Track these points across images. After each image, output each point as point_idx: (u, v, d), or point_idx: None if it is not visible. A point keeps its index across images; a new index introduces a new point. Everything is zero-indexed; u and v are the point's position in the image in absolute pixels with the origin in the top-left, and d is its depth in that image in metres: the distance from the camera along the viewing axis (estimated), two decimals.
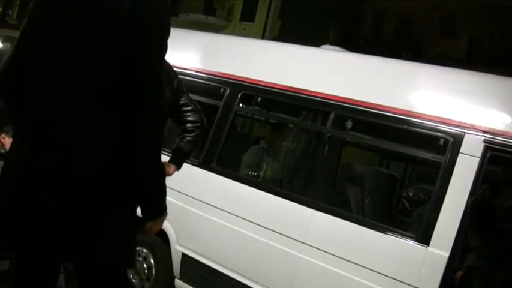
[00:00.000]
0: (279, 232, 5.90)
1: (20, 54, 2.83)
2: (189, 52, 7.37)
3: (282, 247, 5.86)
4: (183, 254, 6.54)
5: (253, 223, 6.09)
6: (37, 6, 2.81)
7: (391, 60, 6.36)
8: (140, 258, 6.74)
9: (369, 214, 6.26)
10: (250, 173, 6.94)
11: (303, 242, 5.73)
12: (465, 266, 6.50)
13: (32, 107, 2.72)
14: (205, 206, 6.45)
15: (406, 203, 7.47)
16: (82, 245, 2.62)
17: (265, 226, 6.01)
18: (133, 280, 6.70)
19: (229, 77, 6.89)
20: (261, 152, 7.21)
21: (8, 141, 5.92)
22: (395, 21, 32.32)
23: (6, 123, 6.48)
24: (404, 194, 7.75)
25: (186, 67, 6.94)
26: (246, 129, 9.57)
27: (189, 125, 4.93)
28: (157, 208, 2.86)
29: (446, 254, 4.93)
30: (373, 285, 5.21)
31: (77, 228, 2.60)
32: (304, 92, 6.24)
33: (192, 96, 5.23)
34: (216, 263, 6.36)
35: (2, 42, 49.69)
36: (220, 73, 7.01)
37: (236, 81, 6.81)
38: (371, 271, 5.24)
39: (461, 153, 5.12)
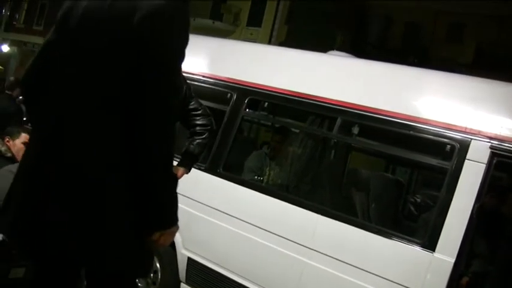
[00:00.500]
0: (285, 237, 5.91)
1: (42, 58, 2.92)
2: (196, 57, 7.38)
3: (287, 252, 5.87)
4: (189, 259, 6.55)
5: (259, 228, 6.10)
6: (61, 15, 2.89)
7: (398, 66, 6.38)
8: None
9: (375, 220, 6.26)
10: (253, 177, 6.93)
11: (309, 247, 5.73)
12: (471, 272, 6.51)
13: (46, 112, 2.78)
14: (211, 211, 6.46)
15: (412, 208, 7.48)
16: (90, 250, 2.63)
17: (271, 231, 6.01)
18: (139, 284, 6.71)
19: (236, 82, 6.91)
20: (263, 157, 7.21)
21: (12, 144, 5.93)
22: (403, 27, 32.35)
23: (7, 124, 6.50)
24: (410, 200, 7.75)
25: (193, 72, 6.94)
26: (252, 135, 9.58)
27: (198, 128, 4.96)
28: (165, 219, 2.80)
29: (452, 260, 4.93)
30: None
31: (84, 233, 2.61)
32: (311, 98, 6.25)
33: (203, 101, 5.26)
34: (222, 267, 6.37)
35: (9, 46, 49.86)
36: (227, 78, 7.02)
37: (243, 87, 6.82)
38: (377, 276, 5.24)
39: (468, 159, 5.12)
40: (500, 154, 5.02)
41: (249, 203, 6.37)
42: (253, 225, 6.15)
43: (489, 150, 5.04)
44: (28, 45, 53.30)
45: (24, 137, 5.92)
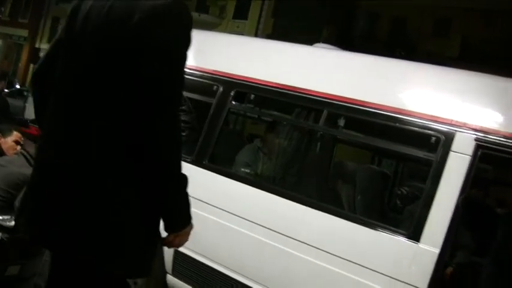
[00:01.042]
0: (271, 229, 5.92)
1: (51, 55, 2.94)
2: None
3: (274, 243, 5.88)
4: (176, 250, 6.55)
5: (245, 219, 6.11)
6: (69, 12, 2.89)
7: (384, 59, 6.39)
8: None
9: (361, 211, 6.29)
10: (246, 172, 6.94)
11: (295, 238, 5.75)
12: (455, 262, 6.57)
13: (50, 109, 2.81)
14: (197, 203, 6.41)
15: (397, 200, 7.52)
16: (98, 249, 2.63)
17: (257, 223, 6.02)
18: None
19: (222, 74, 6.91)
20: (256, 151, 7.21)
21: (3, 141, 5.92)
22: (389, 19, 32.41)
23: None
24: (396, 192, 7.79)
25: None
26: (239, 127, 9.59)
27: None
28: (179, 221, 2.81)
29: (437, 251, 4.96)
30: (364, 281, 5.23)
31: (93, 233, 2.62)
32: (297, 90, 6.26)
33: (185, 93, 5.24)
34: (209, 259, 6.38)
35: None
36: (214, 71, 7.02)
37: (229, 79, 6.82)
38: (362, 267, 5.27)
39: (453, 151, 5.15)
40: (485, 146, 5.06)
41: (236, 195, 6.38)
42: (239, 216, 6.16)
43: (474, 142, 5.08)
44: (13, 38, 53.14)
45: (15, 135, 5.95)
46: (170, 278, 6.78)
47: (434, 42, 29.92)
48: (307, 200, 5.88)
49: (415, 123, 5.46)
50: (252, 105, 7.21)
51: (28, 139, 6.52)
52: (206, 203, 6.42)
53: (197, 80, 7.01)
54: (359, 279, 5.27)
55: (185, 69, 2.78)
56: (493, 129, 5.06)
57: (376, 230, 5.39)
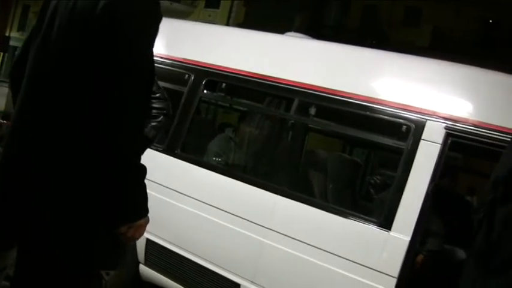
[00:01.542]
0: (243, 217, 5.93)
1: (26, 49, 2.91)
2: None
3: (246, 232, 5.89)
4: (147, 240, 6.54)
5: (217, 208, 6.11)
6: (40, 7, 2.89)
7: (354, 48, 6.41)
8: None
9: (332, 199, 6.32)
10: (217, 161, 6.93)
11: (267, 227, 5.77)
12: (426, 249, 6.63)
13: (17, 103, 2.81)
14: (169, 192, 6.45)
15: (368, 188, 7.56)
16: (54, 239, 2.60)
17: (228, 211, 6.03)
18: None
19: (194, 63, 6.89)
20: (228, 140, 7.21)
21: None
22: (360, 9, 32.51)
23: None
24: (367, 180, 7.83)
25: None
26: (210, 116, 9.57)
27: (154, 111, 4.91)
28: (133, 212, 2.72)
29: (407, 238, 5.00)
30: (336, 269, 5.27)
31: (48, 222, 2.60)
32: (268, 79, 6.27)
33: (161, 83, 5.22)
34: (181, 248, 6.38)
35: None
36: (185, 59, 7.00)
37: (200, 68, 6.81)
38: (334, 255, 5.30)
39: (423, 139, 5.19)
40: (454, 134, 5.11)
41: (208, 184, 6.38)
42: (211, 205, 6.16)
43: (444, 130, 5.12)
44: None
45: None
46: (142, 268, 6.77)
47: (406, 31, 30.10)
48: (279, 189, 5.90)
49: (386, 112, 5.49)
50: (223, 94, 7.21)
51: None
52: (177, 191, 6.42)
53: (169, 69, 6.99)
54: (331, 267, 5.30)
55: (152, 59, 2.73)
56: (463, 118, 5.11)
57: (347, 218, 5.42)
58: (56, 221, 2.59)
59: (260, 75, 6.35)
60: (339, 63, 6.22)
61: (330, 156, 7.22)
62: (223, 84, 6.86)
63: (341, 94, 5.76)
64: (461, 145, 5.30)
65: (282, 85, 6.17)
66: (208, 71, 6.76)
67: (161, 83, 5.24)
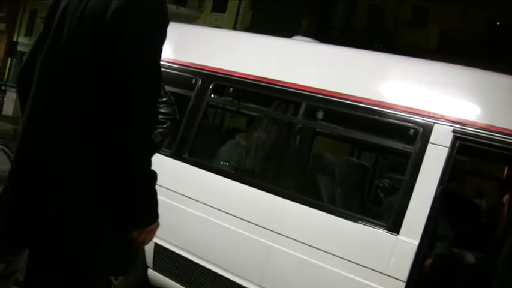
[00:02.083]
0: (251, 222, 5.93)
1: (33, 54, 2.91)
2: None
3: (254, 236, 5.90)
4: (156, 244, 6.54)
5: (225, 213, 6.12)
6: (49, 7, 2.89)
7: (361, 51, 6.41)
8: None
9: (340, 203, 6.31)
10: (227, 165, 6.90)
11: (275, 231, 5.77)
12: (434, 253, 6.61)
13: (27, 107, 2.80)
14: (177, 196, 6.46)
15: (376, 192, 7.54)
16: (63, 243, 2.60)
17: (237, 216, 6.04)
18: None
19: (201, 67, 6.90)
20: (237, 146, 7.17)
21: None
22: (367, 11, 32.47)
23: None
24: (375, 184, 7.82)
25: None
26: (218, 120, 9.58)
27: (161, 116, 4.91)
28: (145, 218, 2.73)
29: (416, 242, 5.00)
30: (344, 274, 5.26)
31: (59, 226, 2.60)
32: (276, 83, 6.27)
33: (168, 88, 5.23)
34: (189, 252, 6.39)
35: None
36: (192, 64, 7.01)
37: (208, 72, 6.82)
38: (342, 259, 5.29)
39: (431, 143, 5.19)
40: (462, 138, 5.10)
41: (216, 189, 6.38)
42: (219, 210, 6.17)
43: (452, 134, 5.12)
44: None
45: None
46: (151, 272, 6.77)
47: (413, 33, 30.03)
48: (287, 193, 5.90)
49: (394, 116, 5.48)
50: (230, 98, 7.21)
51: None
52: (185, 196, 6.43)
53: (176, 73, 7.00)
54: (339, 271, 5.30)
55: (160, 65, 2.74)
56: (471, 121, 5.10)
57: (355, 222, 5.42)
58: (65, 225, 2.59)
59: (267, 79, 6.35)
60: (346, 67, 6.22)
61: (338, 160, 7.21)
62: (231, 89, 6.86)
63: (349, 98, 5.76)
64: (469, 148, 5.29)
65: (289, 89, 6.18)
66: (215, 75, 6.76)
67: (169, 88, 5.24)
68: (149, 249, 6.62)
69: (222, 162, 6.89)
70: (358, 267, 5.21)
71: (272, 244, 5.78)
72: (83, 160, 2.60)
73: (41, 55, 2.78)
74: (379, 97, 5.63)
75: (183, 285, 6.47)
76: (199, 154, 6.88)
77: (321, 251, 5.45)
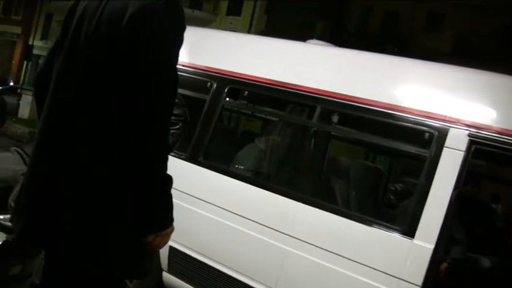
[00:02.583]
0: (266, 225, 5.93)
1: (51, 58, 2.92)
2: None
3: (268, 240, 5.89)
4: (171, 247, 6.56)
5: (240, 216, 6.12)
6: (67, 12, 2.91)
7: (376, 55, 6.40)
8: None
9: (355, 207, 6.30)
10: (245, 169, 6.88)
11: (289, 234, 5.77)
12: (450, 258, 6.59)
13: (44, 110, 2.81)
14: (192, 199, 6.47)
15: (391, 196, 7.52)
16: (80, 245, 2.61)
17: (251, 219, 6.04)
18: None
19: (216, 71, 6.91)
20: (258, 151, 7.12)
21: None
22: (382, 15, 32.43)
23: None
24: (390, 187, 7.80)
25: None
26: (233, 123, 9.59)
27: (173, 117, 4.92)
28: (160, 221, 2.75)
29: (431, 246, 4.98)
30: (359, 277, 5.25)
31: (76, 228, 2.61)
32: (290, 86, 6.27)
33: (179, 90, 5.23)
34: (204, 256, 6.40)
35: None
36: (207, 67, 7.03)
37: (223, 76, 6.83)
38: (357, 263, 5.28)
39: (446, 147, 5.17)
40: (478, 142, 5.08)
41: (230, 192, 6.38)
42: (234, 213, 6.18)
43: (467, 138, 5.10)
44: (7, 35, 53.00)
45: None
46: (166, 275, 6.79)
47: (428, 36, 29.97)
48: (302, 197, 5.89)
49: (409, 119, 5.47)
50: (245, 102, 7.22)
51: None
52: (200, 199, 6.44)
53: (191, 77, 7.01)
54: (354, 275, 5.29)
55: (176, 68, 2.74)
56: (486, 125, 5.08)
57: (370, 226, 5.40)
58: (83, 227, 2.60)
59: (282, 82, 6.36)
60: (361, 70, 6.20)
61: (353, 163, 7.20)
62: (246, 92, 6.87)
63: (364, 101, 5.75)
64: (484, 152, 5.27)
65: (304, 93, 6.17)
66: (230, 78, 6.77)
67: (184, 91, 5.26)
68: (164, 252, 6.64)
69: (240, 166, 6.88)
70: (373, 271, 5.19)
71: (287, 248, 5.77)
72: (100, 162, 2.62)
73: (59, 59, 2.80)
74: (394, 101, 5.62)
75: None
76: (214, 157, 6.88)
77: (335, 255, 5.44)
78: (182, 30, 2.73)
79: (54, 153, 2.68)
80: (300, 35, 9.22)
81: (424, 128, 5.37)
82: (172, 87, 2.70)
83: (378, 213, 6.71)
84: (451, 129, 5.19)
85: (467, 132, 5.11)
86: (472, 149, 5.10)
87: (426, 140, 5.35)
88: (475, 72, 5.68)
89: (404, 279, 5.02)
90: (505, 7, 25.35)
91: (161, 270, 6.79)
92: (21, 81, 40.56)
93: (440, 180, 5.12)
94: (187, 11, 31.38)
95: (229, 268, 6.18)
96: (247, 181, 6.38)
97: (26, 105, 26.44)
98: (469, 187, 6.92)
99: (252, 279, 6.00)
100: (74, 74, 2.70)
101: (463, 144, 5.11)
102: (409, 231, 5.13)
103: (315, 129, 6.59)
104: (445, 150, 5.17)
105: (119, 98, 2.57)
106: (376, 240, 5.32)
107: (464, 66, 5.87)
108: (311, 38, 7.73)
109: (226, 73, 6.82)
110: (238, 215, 6.15)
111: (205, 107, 6.81)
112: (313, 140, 6.85)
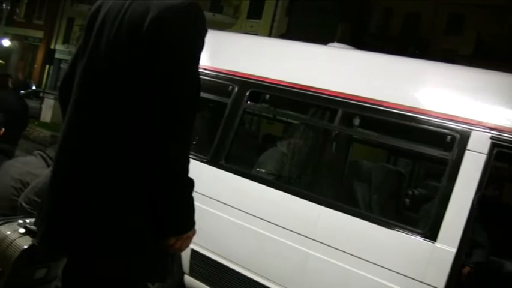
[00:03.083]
0: (288, 228, 5.94)
1: (75, 62, 2.94)
2: None
3: (290, 243, 5.90)
4: (193, 250, 6.58)
5: (262, 219, 6.13)
6: (88, 17, 2.92)
7: (398, 58, 6.39)
8: None
9: (377, 210, 6.29)
10: (267, 173, 6.88)
11: (312, 238, 5.77)
12: (472, 261, 6.55)
13: (67, 113, 2.83)
14: (214, 203, 6.49)
15: (413, 199, 7.50)
16: (99, 248, 2.62)
17: (273, 222, 6.05)
18: None
19: (238, 74, 6.93)
20: (280, 154, 7.12)
21: None
22: (403, 18, 32.33)
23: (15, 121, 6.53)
24: (412, 191, 7.78)
25: None
26: (254, 127, 9.60)
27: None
28: (182, 225, 2.75)
29: (454, 250, 4.96)
30: (381, 281, 5.25)
31: (96, 232, 2.62)
32: (311, 90, 6.28)
33: (201, 94, 5.25)
34: (225, 259, 6.42)
35: (10, 41, 49.92)
36: (229, 71, 7.05)
37: (244, 79, 6.85)
38: (379, 267, 5.28)
39: (468, 149, 5.15)
40: (500, 144, 5.05)
41: (252, 195, 6.39)
42: (256, 216, 6.19)
43: (489, 140, 5.08)
44: (29, 39, 53.45)
45: None
46: (187, 278, 6.81)
47: (449, 38, 29.84)
48: (323, 200, 5.89)
49: (431, 122, 5.46)
50: (267, 105, 7.23)
51: None
52: (222, 202, 6.45)
53: (212, 80, 7.04)
54: (376, 278, 5.28)
55: (199, 72, 2.76)
56: (508, 128, 5.05)
57: (392, 229, 5.39)
58: (106, 231, 2.62)
59: (303, 86, 6.36)
60: (382, 73, 6.20)
61: (374, 166, 7.19)
62: (267, 95, 6.88)
63: (385, 104, 5.74)
64: (507, 155, 5.24)
65: (325, 96, 6.18)
66: (251, 82, 6.79)
67: (205, 95, 5.28)
68: (186, 255, 6.66)
69: (262, 169, 6.89)
70: (394, 275, 5.18)
71: (309, 251, 5.78)
72: (123, 166, 2.63)
73: (81, 64, 2.82)
74: (415, 103, 5.60)
75: None
76: (236, 161, 6.90)
77: (357, 258, 5.43)
78: (203, 33, 2.73)
79: (76, 157, 2.69)
80: (321, 38, 9.21)
81: (446, 130, 5.36)
82: (194, 90, 2.69)
83: (400, 217, 6.69)
84: (473, 131, 5.17)
85: (490, 134, 5.09)
86: (494, 151, 5.08)
87: (448, 142, 5.33)
88: (496, 74, 5.65)
89: (427, 282, 5.01)
90: None
91: (183, 273, 6.82)
92: (43, 85, 40.86)
93: (462, 184, 5.10)
94: (208, 15, 31.50)
95: (251, 271, 6.19)
96: (269, 184, 6.39)
97: (48, 109, 26.55)
98: (491, 190, 6.88)
99: (274, 282, 6.01)
100: (96, 78, 2.72)
101: (485, 147, 5.09)
102: (431, 234, 5.12)
103: (336, 132, 6.59)
104: (467, 153, 5.16)
105: (141, 101, 2.58)
106: (398, 244, 5.31)
107: (486, 68, 5.84)
108: (332, 40, 7.73)
109: (247, 76, 6.83)
110: (259, 218, 6.16)
111: (227, 111, 6.83)
112: (335, 143, 6.84)
